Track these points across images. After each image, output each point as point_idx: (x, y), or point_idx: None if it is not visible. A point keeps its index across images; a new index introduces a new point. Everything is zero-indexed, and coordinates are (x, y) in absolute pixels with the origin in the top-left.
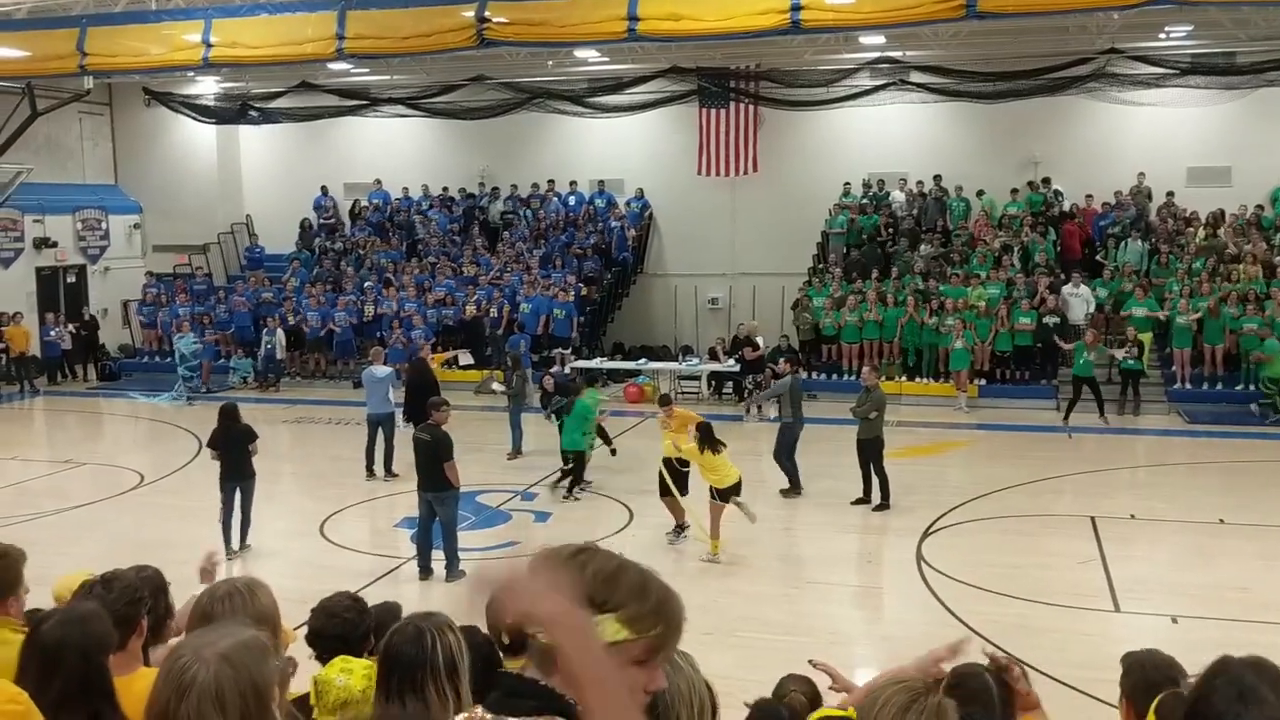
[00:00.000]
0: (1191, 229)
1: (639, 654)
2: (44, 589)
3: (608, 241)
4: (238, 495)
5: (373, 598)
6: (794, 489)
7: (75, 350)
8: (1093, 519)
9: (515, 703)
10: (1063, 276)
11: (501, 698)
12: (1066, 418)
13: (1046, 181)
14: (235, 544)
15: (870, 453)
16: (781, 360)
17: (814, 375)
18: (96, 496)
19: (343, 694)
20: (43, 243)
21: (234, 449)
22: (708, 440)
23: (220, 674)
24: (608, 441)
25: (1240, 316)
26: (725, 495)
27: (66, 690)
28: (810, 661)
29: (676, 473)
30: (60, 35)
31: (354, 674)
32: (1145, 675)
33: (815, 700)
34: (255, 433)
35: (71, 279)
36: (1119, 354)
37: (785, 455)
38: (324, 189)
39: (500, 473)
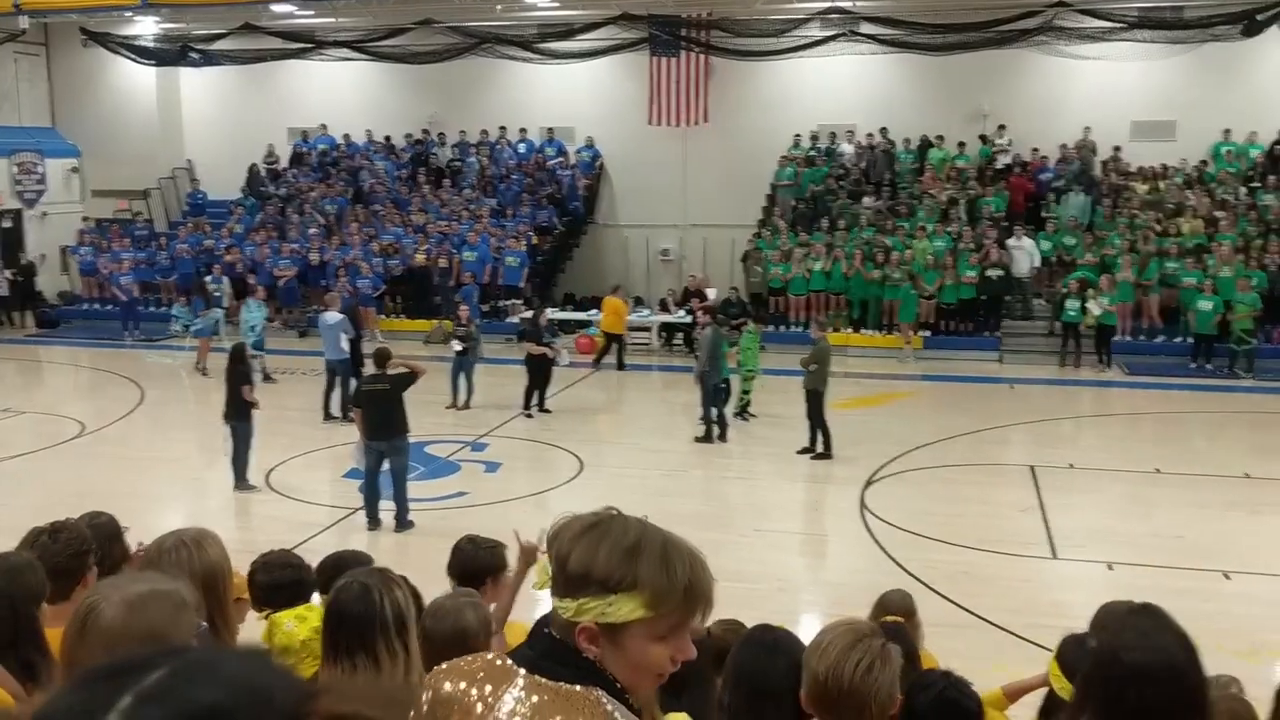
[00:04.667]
0: (1135, 184)
1: (662, 631)
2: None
3: (561, 192)
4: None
5: (321, 548)
6: (708, 437)
7: (12, 297)
8: (1033, 468)
9: (554, 668)
10: (1008, 229)
11: (538, 658)
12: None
13: (1002, 129)
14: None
15: (809, 404)
16: (699, 314)
17: (767, 327)
18: (36, 446)
19: (285, 639)
20: None
21: (229, 389)
22: None
23: (118, 619)
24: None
25: (1179, 270)
26: None
27: None
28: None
29: None
30: None
31: (305, 623)
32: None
33: None
34: (248, 378)
35: (7, 224)
36: (1094, 308)
37: (706, 403)
38: (323, 126)
39: (450, 424)
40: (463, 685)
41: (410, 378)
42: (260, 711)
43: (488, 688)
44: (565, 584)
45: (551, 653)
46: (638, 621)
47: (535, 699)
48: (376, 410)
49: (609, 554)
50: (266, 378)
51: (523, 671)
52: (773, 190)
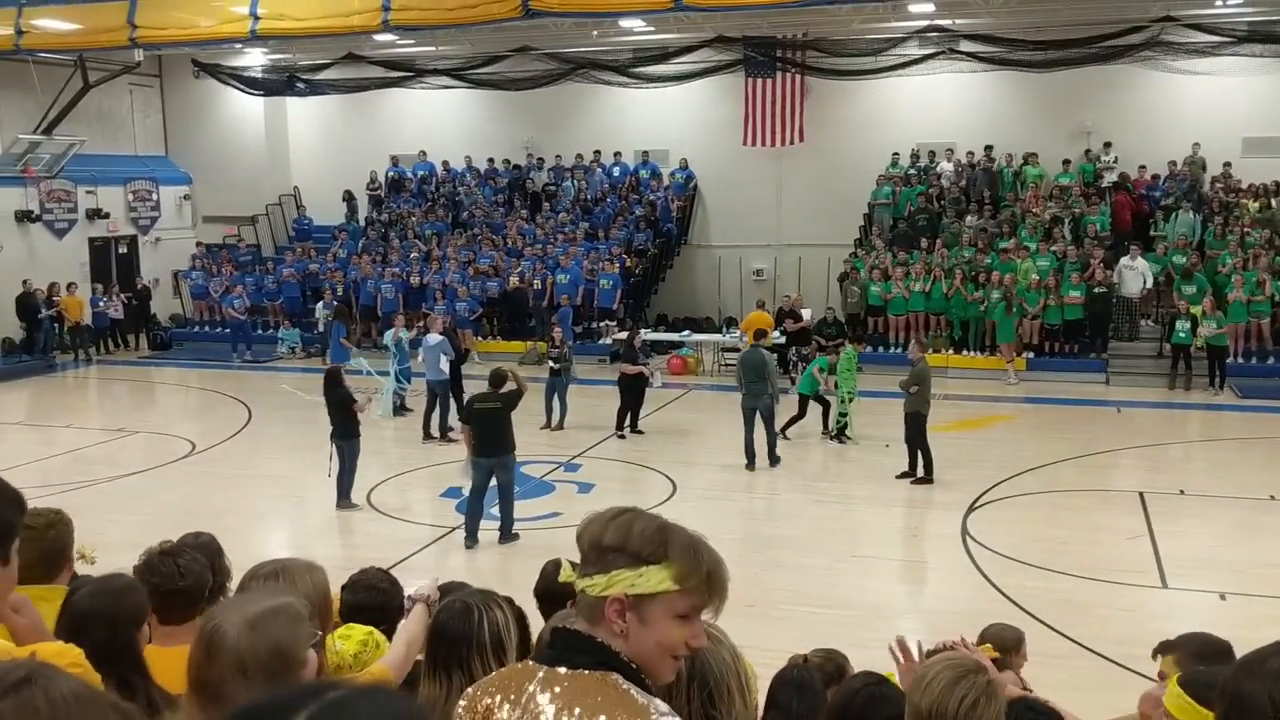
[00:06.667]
0: (1245, 201)
1: (683, 609)
2: (101, 554)
3: (655, 213)
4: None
5: (418, 566)
6: (752, 460)
7: (126, 320)
8: (1141, 494)
9: (571, 656)
10: (1113, 249)
11: (558, 653)
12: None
13: (1107, 146)
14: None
15: (909, 427)
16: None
17: (865, 348)
18: (148, 465)
19: (335, 659)
20: (95, 214)
21: (331, 410)
22: None
23: (243, 639)
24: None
25: None
26: None
27: (94, 658)
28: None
29: None
30: (111, 8)
31: (350, 640)
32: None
33: (840, 672)
34: (353, 397)
35: (123, 249)
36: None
37: (769, 426)
38: (422, 153)
39: (544, 444)
40: (496, 695)
41: (519, 395)
42: None
43: (513, 688)
44: (597, 559)
45: (570, 645)
46: (663, 595)
47: (556, 688)
48: (487, 428)
49: (642, 530)
50: (402, 407)
51: (543, 667)
52: (870, 209)
